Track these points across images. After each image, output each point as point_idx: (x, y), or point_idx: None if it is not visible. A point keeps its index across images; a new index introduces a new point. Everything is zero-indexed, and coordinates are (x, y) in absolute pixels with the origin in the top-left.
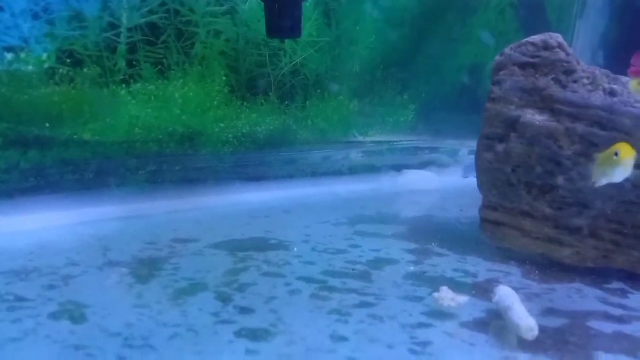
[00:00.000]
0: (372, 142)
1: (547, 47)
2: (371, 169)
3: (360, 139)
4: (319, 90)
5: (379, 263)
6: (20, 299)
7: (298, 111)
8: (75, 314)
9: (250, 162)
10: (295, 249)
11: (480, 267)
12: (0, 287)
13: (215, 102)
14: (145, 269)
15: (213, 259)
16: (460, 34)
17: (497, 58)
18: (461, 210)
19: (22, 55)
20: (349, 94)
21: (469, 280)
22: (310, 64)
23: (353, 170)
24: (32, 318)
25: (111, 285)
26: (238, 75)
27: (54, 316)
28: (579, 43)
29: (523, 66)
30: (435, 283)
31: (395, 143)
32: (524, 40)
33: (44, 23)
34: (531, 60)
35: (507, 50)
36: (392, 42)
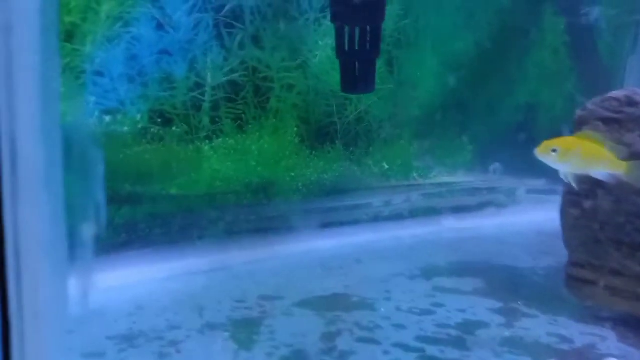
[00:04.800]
0: (432, 184)
1: (631, 102)
2: (431, 212)
3: (420, 181)
4: (381, 136)
5: (469, 326)
6: None
7: (362, 157)
8: None
9: (317, 209)
10: (382, 309)
11: (573, 330)
12: (115, 354)
13: (287, 152)
14: (243, 331)
15: (304, 320)
16: (516, 74)
17: (579, 112)
18: (533, 259)
19: (119, 117)
20: (409, 138)
21: (566, 346)
22: (373, 110)
23: (414, 213)
24: None
25: (217, 351)
26: (308, 126)
27: None
28: (631, 79)
29: (607, 121)
30: (533, 351)
31: (453, 184)
32: (607, 95)
33: (138, 85)
34: (615, 115)
35: (589, 105)
36: (450, 85)
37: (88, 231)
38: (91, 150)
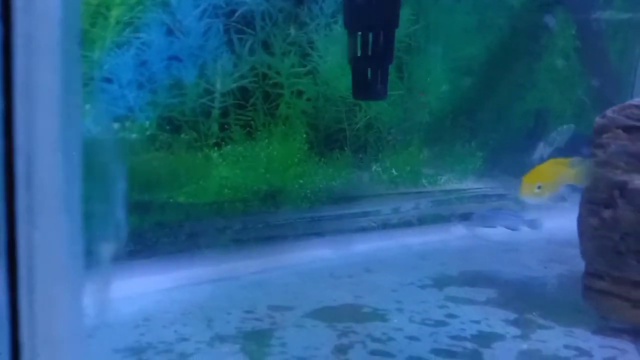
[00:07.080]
0: (441, 190)
1: None
2: (439, 219)
3: (430, 188)
4: (390, 142)
5: (484, 339)
6: None
7: (371, 163)
8: None
9: (325, 217)
10: (395, 320)
11: (591, 343)
12: None
13: (296, 159)
14: (254, 343)
15: (315, 332)
16: (526, 80)
17: (599, 120)
18: (545, 267)
19: (127, 124)
20: (419, 144)
21: (586, 359)
22: (383, 116)
23: (422, 221)
24: None
25: None
26: (317, 132)
27: None
28: None
29: (628, 129)
30: None
31: (463, 191)
32: (627, 103)
33: (147, 92)
34: (637, 123)
35: (609, 113)
36: (460, 90)
37: (106, 251)
38: (112, 165)
